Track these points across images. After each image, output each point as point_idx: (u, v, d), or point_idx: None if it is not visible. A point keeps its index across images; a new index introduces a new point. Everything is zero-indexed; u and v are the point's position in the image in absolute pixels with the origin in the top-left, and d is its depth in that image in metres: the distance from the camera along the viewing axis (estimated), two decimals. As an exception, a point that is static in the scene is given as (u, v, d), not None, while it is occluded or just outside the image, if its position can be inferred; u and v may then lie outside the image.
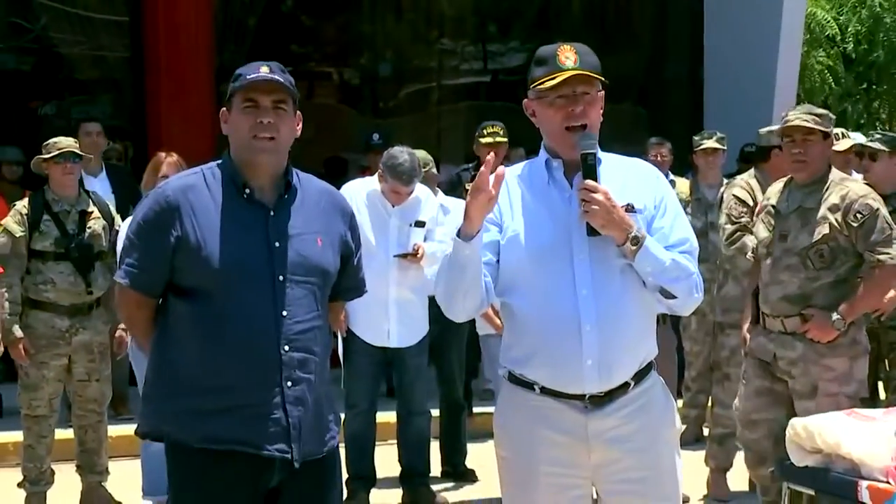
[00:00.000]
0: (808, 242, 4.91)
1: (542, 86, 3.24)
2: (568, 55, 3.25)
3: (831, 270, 4.92)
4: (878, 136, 6.58)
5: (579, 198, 3.19)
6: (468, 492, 6.70)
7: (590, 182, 3.19)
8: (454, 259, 3.15)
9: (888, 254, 4.92)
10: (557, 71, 3.23)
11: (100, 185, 7.46)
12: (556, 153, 3.31)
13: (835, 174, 5.05)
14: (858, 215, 4.89)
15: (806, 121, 4.95)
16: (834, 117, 5.26)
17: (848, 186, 5.00)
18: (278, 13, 11.94)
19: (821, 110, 5.10)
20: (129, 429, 6.57)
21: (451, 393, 6.88)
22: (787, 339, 4.97)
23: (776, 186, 5.20)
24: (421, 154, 6.51)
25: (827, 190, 4.96)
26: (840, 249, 4.91)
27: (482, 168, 3.10)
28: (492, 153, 3.16)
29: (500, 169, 3.12)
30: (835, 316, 4.87)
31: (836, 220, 4.89)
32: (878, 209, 4.96)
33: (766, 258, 5.08)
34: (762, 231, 5.15)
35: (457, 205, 6.55)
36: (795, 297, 4.95)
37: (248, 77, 3.20)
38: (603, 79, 3.29)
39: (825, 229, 4.89)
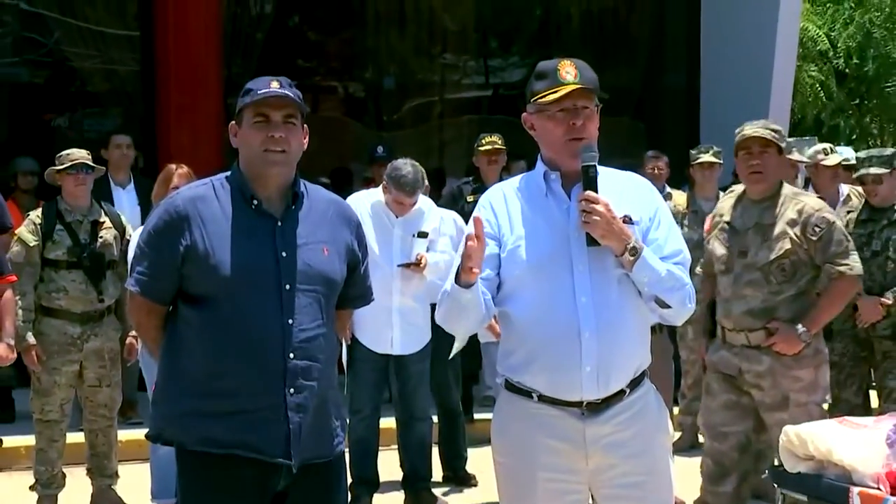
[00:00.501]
0: (769, 258, 4.87)
1: (543, 99, 3.25)
2: (568, 70, 3.26)
3: (792, 284, 4.89)
4: (874, 155, 6.57)
5: (580, 209, 3.20)
6: (469, 496, 6.70)
7: (591, 193, 3.20)
8: (454, 301, 3.18)
9: (847, 265, 4.94)
10: (559, 85, 3.24)
11: (127, 197, 7.47)
12: (555, 165, 3.31)
13: (787, 189, 5.01)
14: (817, 229, 4.87)
15: (763, 134, 4.88)
16: (786, 134, 5.27)
17: (803, 201, 4.97)
18: (285, 28, 11.96)
19: (776, 125, 5.02)
20: (138, 433, 6.59)
21: (446, 399, 6.88)
22: (752, 352, 4.92)
23: (727, 202, 5.12)
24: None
25: (782, 205, 4.92)
26: (800, 263, 4.89)
27: (473, 230, 3.11)
28: (477, 217, 3.18)
29: (477, 217, 3.16)
30: (800, 328, 4.85)
31: (796, 234, 4.86)
32: (834, 222, 4.97)
33: (724, 274, 5.01)
34: (718, 248, 5.05)
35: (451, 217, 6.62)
36: (759, 312, 4.89)
37: (259, 92, 3.21)
38: (604, 94, 3.30)
39: (786, 244, 4.85)
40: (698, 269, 5.16)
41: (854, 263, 5.00)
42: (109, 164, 7.85)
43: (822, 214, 4.93)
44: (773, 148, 4.90)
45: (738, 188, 5.16)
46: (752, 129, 4.92)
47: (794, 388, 4.88)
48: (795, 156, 6.43)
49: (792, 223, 4.88)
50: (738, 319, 4.92)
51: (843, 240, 4.98)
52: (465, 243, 3.11)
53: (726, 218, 5.03)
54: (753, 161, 4.88)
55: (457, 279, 3.14)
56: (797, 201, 4.94)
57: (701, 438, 7.16)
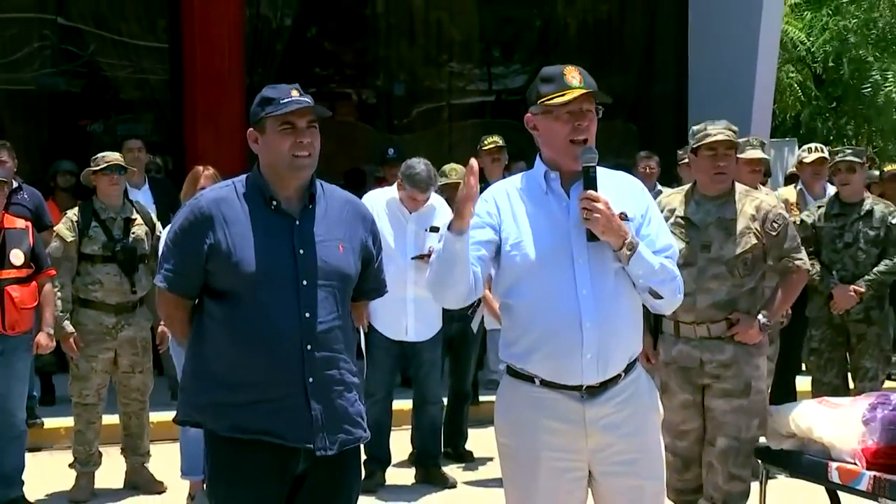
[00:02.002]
0: (734, 252, 4.72)
1: (551, 101, 3.22)
2: (574, 75, 3.25)
3: (752, 277, 4.76)
4: (849, 151, 6.57)
5: (581, 206, 3.19)
6: (474, 473, 6.69)
7: (592, 192, 3.19)
8: (445, 252, 3.12)
9: (802, 259, 4.88)
10: (566, 88, 3.22)
11: (142, 197, 7.46)
12: (555, 165, 3.29)
13: (738, 186, 4.88)
14: (775, 224, 4.76)
15: (730, 136, 4.76)
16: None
17: (758, 197, 4.86)
18: (303, 39, 11.94)
19: (734, 126, 4.87)
20: (168, 415, 6.57)
21: (461, 384, 6.87)
22: (713, 343, 4.73)
23: (676, 198, 4.91)
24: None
25: (739, 201, 4.79)
26: (760, 257, 4.78)
27: (468, 175, 3.07)
28: (474, 159, 3.14)
29: (472, 161, 3.10)
30: (763, 319, 4.75)
31: (756, 229, 4.74)
32: (788, 218, 4.91)
33: (683, 268, 4.71)
34: (676, 242, 4.90)
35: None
36: (724, 304, 4.73)
37: (282, 102, 3.17)
38: (608, 99, 3.28)
39: (752, 240, 4.73)
40: None
41: (806, 258, 4.95)
42: None
43: (779, 211, 4.84)
44: (734, 149, 4.83)
45: (684, 187, 5.00)
46: (716, 129, 4.77)
47: (755, 375, 4.76)
48: (750, 153, 6.31)
49: (752, 219, 4.76)
50: (702, 312, 4.73)
51: (796, 236, 4.92)
52: (464, 187, 3.05)
53: (679, 213, 4.83)
54: (720, 162, 4.75)
55: (450, 227, 3.10)
56: (752, 198, 4.83)
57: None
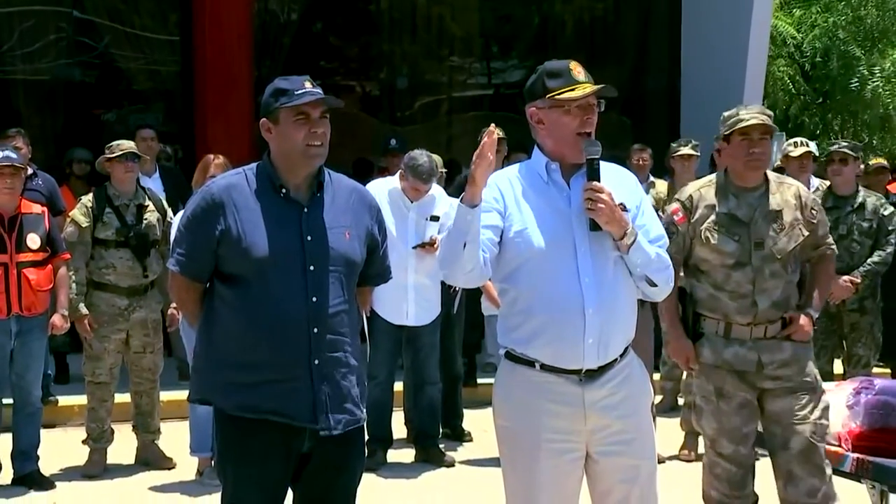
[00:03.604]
0: (788, 247, 4.23)
1: (562, 95, 3.21)
2: (580, 70, 3.25)
3: (797, 270, 4.33)
4: (844, 143, 6.57)
5: (585, 197, 3.18)
6: (472, 452, 6.70)
7: (596, 183, 3.19)
8: (458, 224, 3.10)
9: (833, 244, 4.51)
10: (575, 84, 3.22)
11: (153, 184, 7.45)
12: (558, 156, 3.28)
13: (770, 174, 4.37)
14: (814, 211, 4.34)
15: (764, 120, 4.23)
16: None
17: (792, 184, 4.38)
18: (309, 34, 11.92)
19: (769, 111, 4.36)
20: (178, 394, 6.60)
21: (451, 366, 6.87)
22: (770, 343, 4.25)
23: (707, 191, 4.33)
24: (436, 158, 6.52)
25: (777, 191, 4.29)
26: (804, 248, 4.33)
27: (485, 139, 3.04)
28: (493, 125, 3.12)
29: (491, 127, 3.07)
30: (813, 313, 4.33)
31: (802, 220, 4.28)
32: (819, 203, 4.50)
33: (737, 268, 4.23)
34: (725, 242, 4.25)
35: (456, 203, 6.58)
36: (781, 303, 4.25)
37: (296, 93, 3.16)
38: (615, 93, 3.27)
39: (803, 232, 4.26)
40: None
41: (833, 241, 4.56)
42: None
43: (813, 196, 4.42)
44: (770, 135, 4.28)
45: (710, 177, 4.46)
46: (749, 114, 4.23)
47: (815, 370, 4.33)
48: (685, 150, 6.37)
49: (795, 208, 4.28)
50: (762, 313, 4.22)
51: (826, 220, 4.50)
52: (477, 156, 3.02)
53: (720, 208, 4.28)
54: (754, 149, 4.21)
55: (462, 199, 3.08)
56: (787, 185, 4.35)
57: (680, 401, 7.18)
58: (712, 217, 4.27)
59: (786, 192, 4.30)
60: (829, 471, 4.21)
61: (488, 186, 3.24)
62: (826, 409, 4.26)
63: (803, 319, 4.28)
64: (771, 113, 4.32)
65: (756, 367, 4.26)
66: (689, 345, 4.35)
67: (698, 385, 4.40)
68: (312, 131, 3.17)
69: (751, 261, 4.22)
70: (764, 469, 4.41)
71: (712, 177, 4.43)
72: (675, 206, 4.41)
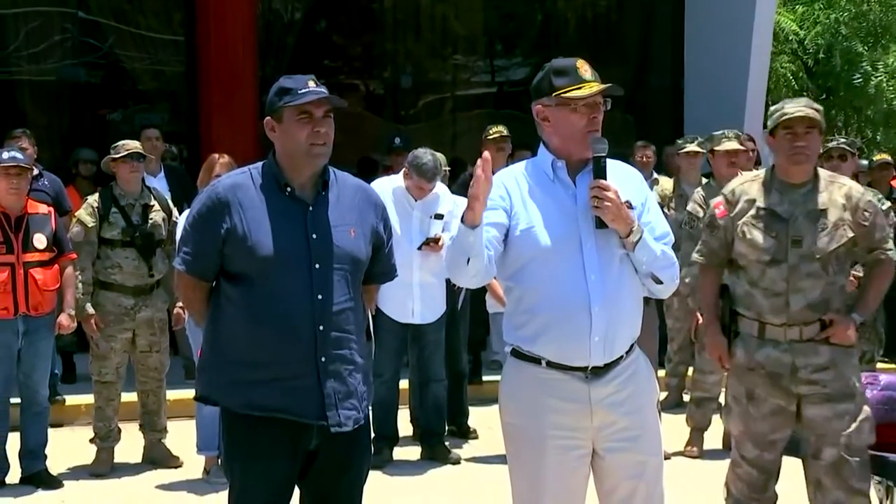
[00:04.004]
0: (829, 247, 4.06)
1: (569, 94, 3.21)
2: (587, 68, 3.24)
3: (843, 272, 4.14)
4: (842, 140, 6.56)
5: (592, 195, 3.17)
6: (478, 450, 6.70)
7: (603, 181, 3.18)
8: (460, 243, 3.10)
9: (892, 249, 4.25)
10: (582, 82, 3.21)
11: (158, 184, 7.46)
12: (564, 154, 3.27)
13: (823, 172, 4.22)
14: (867, 213, 4.11)
15: (809, 113, 4.06)
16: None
17: (845, 184, 4.20)
18: (313, 33, 11.92)
19: (818, 105, 4.19)
20: (185, 393, 6.60)
21: (456, 364, 6.86)
22: (807, 346, 4.08)
23: (752, 186, 4.21)
24: (439, 156, 6.52)
25: (825, 190, 4.12)
26: (851, 250, 4.16)
27: (480, 168, 3.02)
28: (486, 152, 3.12)
29: (485, 154, 3.06)
30: (857, 317, 4.15)
31: (849, 221, 4.10)
32: (877, 205, 4.30)
33: (772, 265, 4.09)
34: (761, 237, 4.12)
35: (463, 202, 6.57)
36: (818, 305, 4.07)
37: (300, 92, 3.16)
38: (622, 92, 3.26)
39: (847, 233, 4.08)
40: (695, 257, 4.44)
41: (894, 247, 4.30)
42: None
43: (868, 198, 4.20)
44: (817, 129, 4.10)
45: (758, 172, 4.34)
46: (794, 107, 4.08)
47: (855, 376, 4.14)
48: (726, 145, 6.35)
49: (843, 209, 4.10)
50: (796, 314, 4.07)
51: (885, 224, 4.28)
52: (474, 181, 3.01)
53: (761, 203, 4.14)
54: (798, 142, 4.05)
55: (463, 220, 3.08)
56: (839, 184, 4.16)
57: (685, 398, 7.18)
58: (752, 211, 4.15)
59: (835, 192, 4.13)
60: (860, 485, 4.08)
61: (495, 185, 3.24)
62: (866, 420, 4.09)
63: (844, 323, 4.09)
64: (819, 106, 4.16)
65: (790, 371, 4.10)
66: (724, 343, 4.24)
67: (730, 384, 4.30)
68: (315, 130, 3.17)
69: (787, 258, 4.08)
70: (793, 469, 4.32)
71: (761, 171, 4.32)
72: (718, 199, 4.33)
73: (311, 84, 3.18)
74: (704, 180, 6.90)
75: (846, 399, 4.08)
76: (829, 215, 4.08)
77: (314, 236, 3.18)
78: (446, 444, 6.55)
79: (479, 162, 3.05)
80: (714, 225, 4.25)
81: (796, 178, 4.13)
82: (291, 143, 3.19)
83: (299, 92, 3.16)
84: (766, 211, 4.13)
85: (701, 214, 6.44)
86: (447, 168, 7.25)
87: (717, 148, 6.51)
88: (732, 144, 6.35)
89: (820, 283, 4.07)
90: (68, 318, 5.97)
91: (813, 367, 4.08)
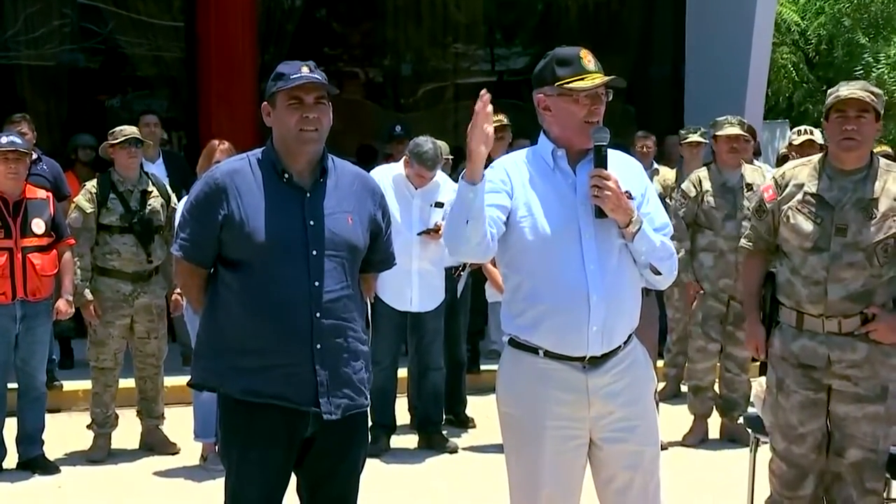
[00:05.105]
0: (875, 237, 3.88)
1: (571, 84, 3.18)
2: (589, 58, 3.22)
3: (891, 265, 3.92)
4: None
5: (592, 184, 3.15)
6: (475, 439, 6.70)
7: (603, 171, 3.16)
8: (460, 202, 3.04)
9: None
10: (585, 73, 3.19)
11: (156, 170, 7.44)
12: (565, 143, 3.25)
13: (881, 161, 4.01)
14: None
15: (861, 96, 3.85)
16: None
17: None
18: (313, 20, 11.89)
19: (876, 88, 3.97)
20: (182, 379, 6.59)
21: (455, 353, 6.86)
22: (843, 340, 3.92)
23: (803, 170, 4.03)
24: (442, 144, 6.51)
25: (881, 178, 3.93)
26: None
27: (478, 106, 2.95)
28: (484, 89, 3.07)
29: (483, 92, 2.99)
30: None
31: None
32: None
33: (814, 253, 3.94)
34: (805, 223, 3.96)
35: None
36: (859, 296, 3.90)
37: (292, 77, 3.15)
38: (624, 84, 3.24)
39: None
40: (743, 242, 4.29)
41: None
42: None
43: None
44: (872, 113, 3.89)
45: (813, 157, 4.16)
46: (848, 90, 3.90)
47: (892, 377, 3.94)
48: (728, 130, 6.36)
49: None
50: (834, 305, 3.91)
51: None
52: (471, 128, 2.94)
53: (809, 189, 3.98)
54: (848, 126, 3.87)
55: (463, 175, 3.02)
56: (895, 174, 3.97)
57: (684, 388, 7.18)
58: (798, 196, 4.00)
59: (890, 181, 3.93)
60: (874, 485, 3.98)
61: (496, 169, 3.22)
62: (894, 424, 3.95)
63: (887, 319, 3.90)
64: (878, 90, 3.96)
65: (825, 364, 3.95)
66: (762, 332, 4.12)
67: (767, 374, 4.18)
68: (305, 116, 3.15)
69: (829, 246, 3.92)
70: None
71: (814, 157, 4.16)
72: (768, 182, 4.19)
73: (305, 70, 3.16)
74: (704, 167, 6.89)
75: (877, 400, 3.94)
76: (881, 205, 3.91)
77: (311, 223, 3.17)
78: (444, 432, 6.54)
79: (478, 103, 2.96)
80: (762, 209, 4.12)
81: (847, 164, 3.96)
82: (283, 129, 3.19)
83: (291, 77, 3.15)
84: (814, 196, 3.97)
85: (693, 194, 6.48)
86: (449, 157, 7.24)
87: (718, 133, 6.51)
88: (734, 130, 6.37)
89: (863, 275, 3.90)
90: (66, 303, 5.97)
91: (847, 363, 3.94)
